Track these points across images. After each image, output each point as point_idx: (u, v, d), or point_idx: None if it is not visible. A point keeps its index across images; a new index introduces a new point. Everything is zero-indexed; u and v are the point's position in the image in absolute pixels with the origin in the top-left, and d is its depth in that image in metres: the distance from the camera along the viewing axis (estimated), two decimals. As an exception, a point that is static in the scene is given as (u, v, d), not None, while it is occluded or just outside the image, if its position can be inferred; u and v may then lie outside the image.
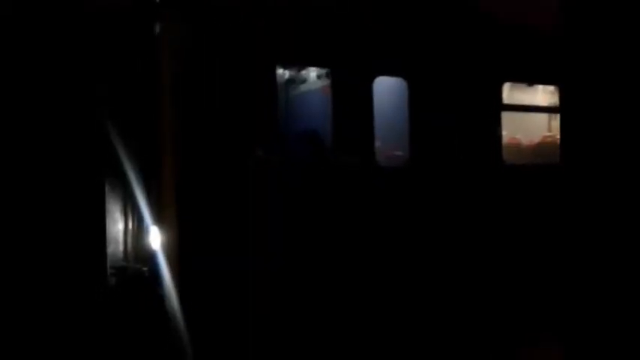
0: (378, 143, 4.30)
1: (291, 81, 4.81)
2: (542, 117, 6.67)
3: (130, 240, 3.59)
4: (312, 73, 4.60)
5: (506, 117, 6.24)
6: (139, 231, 3.54)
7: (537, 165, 5.15)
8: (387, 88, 4.25)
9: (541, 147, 5.55)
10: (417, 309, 4.00)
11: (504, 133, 6.10)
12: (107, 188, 3.46)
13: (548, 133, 6.11)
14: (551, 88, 5.33)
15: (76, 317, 3.20)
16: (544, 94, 6.16)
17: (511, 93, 5.79)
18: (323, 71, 4.24)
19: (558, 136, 6.15)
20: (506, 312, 4.42)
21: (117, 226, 3.54)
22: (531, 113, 5.85)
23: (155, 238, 3.38)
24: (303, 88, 4.81)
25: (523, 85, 5.83)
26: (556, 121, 6.77)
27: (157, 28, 3.31)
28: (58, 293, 3.19)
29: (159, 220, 3.37)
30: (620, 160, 1.68)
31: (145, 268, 3.46)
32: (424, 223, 4.10)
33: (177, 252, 3.30)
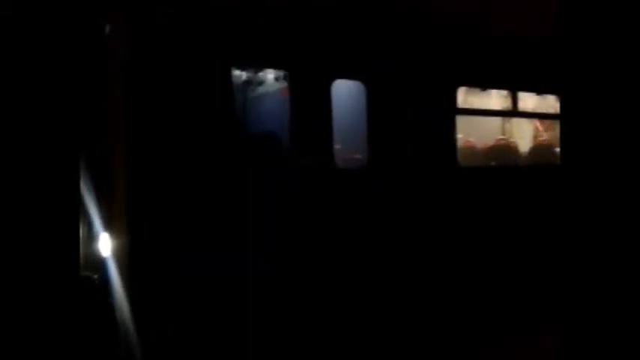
0: (337, 146, 4.36)
1: (248, 83, 4.76)
2: (496, 121, 6.92)
3: (80, 247, 3.44)
4: (269, 75, 4.57)
5: (462, 121, 6.47)
6: (89, 237, 3.40)
7: (491, 167, 5.32)
8: (346, 92, 4.28)
9: (494, 150, 5.73)
10: (379, 307, 4.03)
11: (460, 136, 6.30)
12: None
13: (502, 137, 6.34)
14: (504, 92, 5.50)
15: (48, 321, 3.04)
16: (498, 99, 6.39)
17: (466, 97, 5.98)
18: (281, 73, 4.22)
19: (511, 139, 6.41)
20: (468, 310, 4.52)
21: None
22: (486, 117, 6.06)
23: (105, 245, 3.27)
24: (261, 89, 4.77)
25: (477, 90, 6.02)
26: (509, 124, 7.06)
27: (107, 29, 3.20)
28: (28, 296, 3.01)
29: (109, 226, 3.27)
30: (622, 163, 1.75)
31: (95, 276, 3.33)
32: (382, 224, 4.14)
33: (128, 259, 3.21)
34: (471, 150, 5.74)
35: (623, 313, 1.80)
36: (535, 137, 6.68)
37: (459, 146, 5.19)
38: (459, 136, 6.27)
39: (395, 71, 4.26)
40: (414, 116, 4.34)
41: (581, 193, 1.88)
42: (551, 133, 6.48)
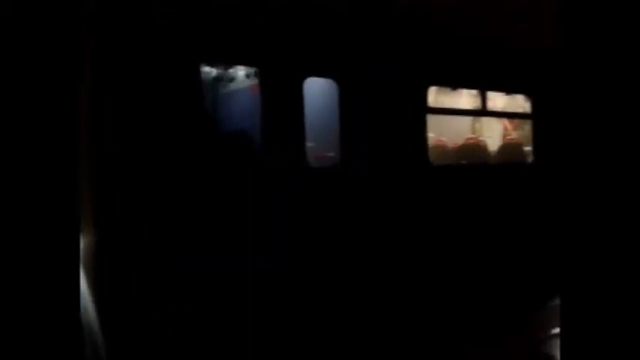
0: (310, 144, 4.36)
1: (218, 79, 4.68)
2: (467, 120, 7.04)
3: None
4: (240, 71, 4.51)
5: (433, 120, 6.55)
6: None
7: (461, 166, 5.39)
8: (320, 89, 4.27)
9: (464, 149, 5.81)
10: (346, 306, 4.04)
11: (431, 135, 6.37)
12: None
13: (472, 135, 6.44)
14: (474, 92, 5.58)
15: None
16: (468, 98, 6.50)
17: (437, 97, 6.06)
18: (252, 70, 4.16)
19: (480, 139, 6.53)
20: (442, 307, 4.57)
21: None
22: (456, 116, 6.15)
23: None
24: (232, 86, 4.70)
25: (448, 89, 6.10)
26: (479, 123, 7.19)
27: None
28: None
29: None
30: (620, 164, 1.77)
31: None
32: (353, 222, 4.14)
33: (94, 260, 3.12)
34: (442, 149, 5.81)
35: (622, 312, 1.82)
36: (504, 136, 6.82)
37: (430, 145, 5.26)
38: (431, 135, 6.37)
39: (367, 70, 4.27)
40: (386, 115, 4.36)
41: (580, 193, 1.88)
42: (519, 132, 6.63)
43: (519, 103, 6.02)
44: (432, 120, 6.47)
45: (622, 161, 1.74)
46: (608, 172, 1.78)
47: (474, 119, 6.99)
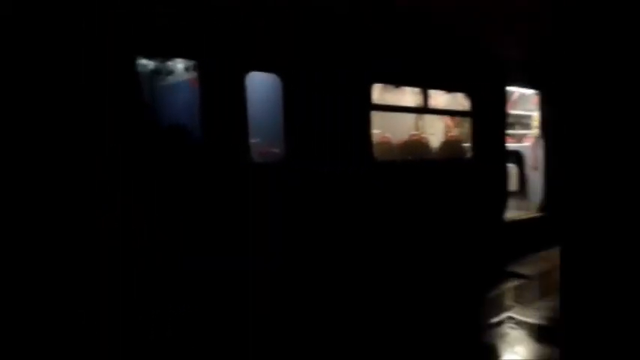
0: (256, 139, 4.28)
1: (156, 72, 4.49)
2: (411, 117, 7.21)
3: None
4: (179, 64, 4.34)
5: (379, 116, 6.64)
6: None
7: (405, 161, 5.50)
8: (266, 85, 4.20)
9: (408, 145, 5.93)
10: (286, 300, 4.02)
11: (377, 131, 6.46)
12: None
13: (415, 132, 6.60)
14: (417, 89, 5.70)
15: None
16: (412, 96, 6.64)
17: (382, 94, 6.15)
18: (191, 63, 4.02)
19: (423, 135, 6.70)
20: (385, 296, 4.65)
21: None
22: (402, 114, 6.26)
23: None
24: (171, 79, 4.52)
25: (392, 87, 6.20)
26: (423, 120, 7.38)
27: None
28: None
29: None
30: (617, 161, 1.78)
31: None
32: (299, 217, 4.11)
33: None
34: (387, 145, 5.90)
35: (621, 312, 1.86)
36: (446, 133, 7.04)
37: (375, 141, 5.32)
38: (376, 131, 6.46)
39: (312, 66, 4.24)
40: (331, 111, 4.36)
41: (579, 193, 1.91)
42: (460, 129, 6.87)
43: (459, 101, 6.22)
44: (377, 117, 6.61)
45: (622, 161, 1.78)
46: (608, 172, 1.81)
47: (418, 116, 7.17)
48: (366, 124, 4.64)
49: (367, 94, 4.67)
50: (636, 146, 1.73)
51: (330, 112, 4.35)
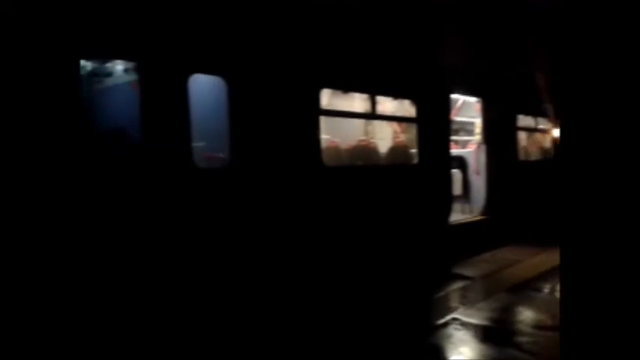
0: (201, 144, 4.16)
1: (94, 74, 4.26)
2: (360, 123, 7.29)
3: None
4: (118, 66, 4.15)
5: (329, 122, 6.67)
6: None
7: (354, 166, 5.55)
8: (212, 88, 4.09)
9: (356, 150, 5.98)
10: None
11: (327, 137, 6.48)
12: None
13: (363, 138, 6.68)
14: (365, 96, 5.77)
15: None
16: (360, 102, 6.72)
17: (331, 100, 6.18)
18: (130, 65, 3.85)
19: (371, 140, 6.79)
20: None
21: None
22: (352, 119, 6.33)
23: None
24: (109, 82, 4.31)
25: (342, 93, 6.24)
26: (372, 126, 7.50)
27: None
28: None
29: None
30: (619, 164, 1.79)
31: None
32: (245, 223, 4.03)
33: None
34: (336, 150, 5.92)
35: (621, 312, 1.86)
36: (394, 139, 7.17)
37: (323, 146, 5.33)
38: (326, 137, 6.48)
39: (259, 69, 4.18)
40: (279, 115, 4.31)
41: (579, 194, 1.91)
42: (407, 135, 7.02)
43: (406, 107, 6.37)
44: (327, 122, 6.62)
45: (621, 161, 1.79)
46: (608, 172, 1.83)
47: (367, 122, 7.27)
48: (314, 129, 4.63)
49: (316, 99, 4.66)
50: (636, 146, 1.77)
51: (278, 116, 4.30)
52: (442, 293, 5.13)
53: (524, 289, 5.16)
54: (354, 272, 5.03)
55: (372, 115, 5.63)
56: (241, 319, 3.99)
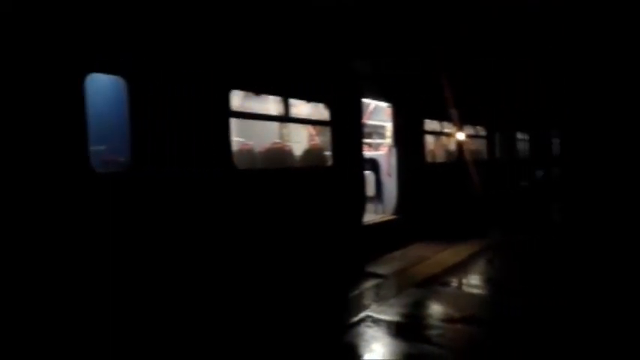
0: (101, 147, 3.87)
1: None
2: (276, 125, 7.26)
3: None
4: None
5: (243, 125, 6.54)
6: None
7: (268, 169, 5.48)
8: (112, 88, 3.81)
9: (270, 153, 5.93)
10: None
11: (240, 139, 6.35)
12: None
13: (277, 140, 6.65)
14: (278, 98, 5.73)
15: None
16: (275, 104, 6.68)
17: (245, 101, 6.07)
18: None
19: (286, 143, 6.78)
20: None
21: None
22: (268, 122, 6.25)
23: None
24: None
25: (255, 95, 6.16)
26: (287, 129, 7.49)
27: None
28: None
29: None
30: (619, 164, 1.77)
31: None
32: (151, 228, 3.81)
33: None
34: (249, 153, 5.82)
35: (621, 311, 1.87)
36: (309, 141, 7.22)
37: (235, 149, 5.20)
38: (240, 139, 6.35)
39: (163, 68, 3.97)
40: (185, 116, 4.12)
41: (581, 195, 1.91)
42: (322, 138, 7.11)
43: (321, 111, 6.44)
44: (241, 125, 6.49)
45: (621, 161, 1.83)
46: (609, 173, 1.86)
47: (282, 125, 7.25)
48: (224, 132, 4.50)
49: (225, 101, 4.53)
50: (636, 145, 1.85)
51: (185, 118, 4.12)
52: (356, 292, 5.25)
53: (432, 284, 5.44)
54: (271, 274, 4.98)
55: (285, 118, 5.60)
56: (149, 330, 3.76)
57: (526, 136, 15.34)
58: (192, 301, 4.13)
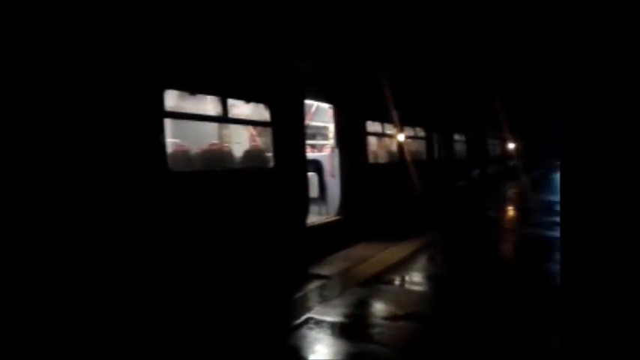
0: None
1: None
2: (214, 126, 7.05)
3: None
4: None
5: (179, 125, 6.29)
6: None
7: (205, 171, 5.28)
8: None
9: (207, 154, 5.74)
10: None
11: (176, 140, 6.10)
12: None
13: (215, 141, 6.46)
14: (216, 98, 5.56)
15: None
16: (213, 104, 6.48)
17: (180, 101, 5.83)
18: None
19: (225, 144, 6.61)
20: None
21: None
22: (206, 122, 6.04)
23: None
24: None
25: (191, 95, 5.94)
26: (227, 130, 7.30)
27: None
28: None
29: None
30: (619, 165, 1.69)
31: None
32: (66, 235, 3.54)
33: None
34: (184, 154, 5.60)
35: (621, 312, 1.80)
36: (250, 142, 7.08)
37: (170, 151, 4.97)
38: (175, 140, 6.10)
39: (86, 62, 3.70)
40: (114, 116, 3.87)
41: (579, 195, 1.82)
42: (263, 139, 6.99)
43: (261, 112, 6.33)
44: (177, 126, 6.25)
45: (621, 162, 1.77)
46: (608, 173, 1.79)
47: (222, 126, 7.05)
48: (157, 132, 4.27)
49: (159, 100, 4.31)
50: (636, 145, 1.82)
51: (115, 118, 3.86)
52: (299, 294, 5.17)
53: (375, 283, 5.47)
54: (210, 278, 4.80)
55: (224, 119, 5.43)
56: (74, 336, 3.48)
57: (463, 137, 16.03)
58: (126, 308, 3.88)
